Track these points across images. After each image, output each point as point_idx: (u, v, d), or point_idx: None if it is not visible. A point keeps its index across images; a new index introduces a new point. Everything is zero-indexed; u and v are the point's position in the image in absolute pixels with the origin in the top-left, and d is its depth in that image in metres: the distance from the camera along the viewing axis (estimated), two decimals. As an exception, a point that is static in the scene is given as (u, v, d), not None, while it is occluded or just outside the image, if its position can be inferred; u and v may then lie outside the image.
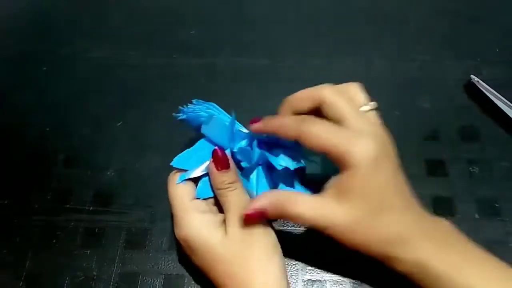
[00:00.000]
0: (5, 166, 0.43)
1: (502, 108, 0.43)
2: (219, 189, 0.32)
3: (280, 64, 0.49)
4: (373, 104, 0.32)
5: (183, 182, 0.33)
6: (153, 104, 0.47)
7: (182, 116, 0.35)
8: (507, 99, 0.43)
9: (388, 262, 0.30)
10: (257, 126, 0.32)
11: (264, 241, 0.31)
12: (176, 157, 0.34)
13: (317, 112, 0.32)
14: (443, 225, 0.30)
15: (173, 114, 0.36)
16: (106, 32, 0.54)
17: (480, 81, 0.44)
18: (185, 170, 0.34)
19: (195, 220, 0.31)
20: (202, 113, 0.34)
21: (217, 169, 0.32)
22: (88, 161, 0.43)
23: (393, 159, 0.30)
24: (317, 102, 0.31)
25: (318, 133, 0.29)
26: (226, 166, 0.32)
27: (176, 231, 0.32)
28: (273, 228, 0.33)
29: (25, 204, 0.41)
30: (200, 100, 0.35)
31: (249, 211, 0.30)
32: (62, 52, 0.52)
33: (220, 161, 0.32)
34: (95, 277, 0.36)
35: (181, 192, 0.33)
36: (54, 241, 0.38)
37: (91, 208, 0.40)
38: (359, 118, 0.30)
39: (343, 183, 0.29)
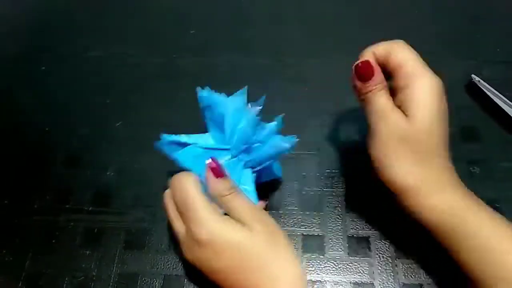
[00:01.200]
0: (5, 166, 0.43)
1: (503, 108, 0.42)
2: (223, 196, 0.31)
3: (280, 64, 0.49)
4: None
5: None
6: (152, 104, 0.47)
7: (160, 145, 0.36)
8: (508, 99, 0.43)
9: (414, 200, 0.31)
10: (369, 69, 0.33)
11: (283, 239, 0.31)
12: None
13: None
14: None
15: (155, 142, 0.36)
16: (105, 32, 0.54)
17: (481, 81, 0.44)
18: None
19: (219, 220, 0.30)
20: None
21: (216, 177, 0.31)
22: (88, 161, 0.43)
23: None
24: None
25: (404, 49, 0.33)
26: (223, 174, 0.31)
27: (196, 233, 0.29)
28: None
29: (25, 204, 0.41)
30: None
31: (363, 61, 0.33)
32: (61, 51, 0.52)
33: (216, 169, 0.31)
34: (94, 278, 0.36)
35: (197, 192, 0.31)
36: (53, 241, 0.38)
37: (90, 208, 0.40)
38: (425, 65, 0.33)
39: (410, 96, 0.31)
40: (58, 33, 0.54)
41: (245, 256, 0.29)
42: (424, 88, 0.31)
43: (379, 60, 0.33)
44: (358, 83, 0.33)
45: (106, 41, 0.52)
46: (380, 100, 0.31)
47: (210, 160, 0.32)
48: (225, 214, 0.31)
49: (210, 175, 0.31)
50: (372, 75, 0.32)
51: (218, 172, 0.31)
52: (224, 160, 0.33)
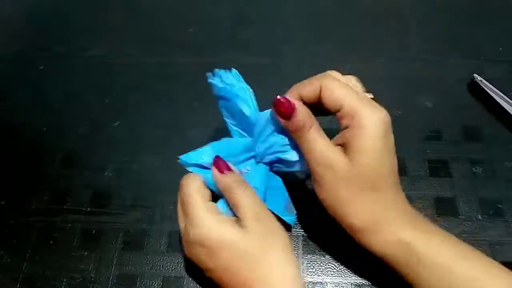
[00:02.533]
0: (2, 166, 0.43)
1: (505, 107, 0.42)
2: (227, 189, 0.31)
3: (280, 63, 0.49)
4: (370, 95, 0.33)
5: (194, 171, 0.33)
6: (151, 103, 0.46)
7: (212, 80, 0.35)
8: (510, 98, 0.42)
9: (363, 242, 0.30)
10: (290, 109, 0.31)
11: (282, 239, 0.31)
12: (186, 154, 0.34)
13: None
14: (422, 217, 0.31)
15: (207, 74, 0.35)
16: (104, 31, 0.53)
17: (483, 80, 0.44)
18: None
19: (215, 219, 0.30)
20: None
21: (221, 172, 0.32)
22: (86, 162, 0.43)
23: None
24: (318, 88, 0.31)
25: (338, 87, 0.30)
26: (228, 168, 0.32)
27: (191, 231, 0.30)
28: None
29: (22, 205, 0.40)
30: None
31: (281, 98, 0.30)
32: (59, 51, 0.51)
33: (220, 165, 0.32)
34: (92, 279, 0.36)
35: (199, 191, 0.32)
36: (51, 242, 0.38)
37: (88, 209, 0.40)
38: (365, 98, 0.30)
39: (350, 138, 0.29)
40: (56, 33, 0.54)
41: (238, 256, 0.29)
42: (365, 129, 0.28)
43: (309, 99, 0.31)
44: (282, 121, 0.30)
45: (104, 41, 0.52)
46: (314, 141, 0.30)
47: (216, 157, 0.32)
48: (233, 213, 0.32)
49: (216, 171, 0.32)
50: (292, 112, 0.29)
51: (223, 166, 0.32)
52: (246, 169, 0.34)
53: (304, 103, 0.31)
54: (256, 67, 0.48)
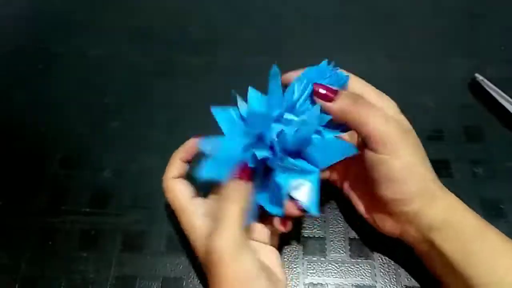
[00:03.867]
0: (1, 166, 0.43)
1: (507, 107, 0.42)
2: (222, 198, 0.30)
3: (280, 63, 0.49)
4: None
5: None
6: (151, 103, 0.46)
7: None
8: (511, 98, 0.42)
9: (411, 217, 0.30)
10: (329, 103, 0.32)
11: (243, 264, 0.28)
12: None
13: None
14: (452, 196, 0.31)
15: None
16: (103, 30, 0.53)
17: (485, 80, 0.44)
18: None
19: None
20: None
21: (237, 177, 0.30)
22: (85, 162, 0.42)
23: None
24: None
25: (383, 125, 0.30)
26: (247, 178, 0.30)
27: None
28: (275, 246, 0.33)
29: (21, 205, 0.40)
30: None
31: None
32: (58, 50, 0.51)
33: (243, 171, 0.30)
34: (91, 280, 0.36)
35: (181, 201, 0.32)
36: (50, 243, 0.38)
37: (87, 210, 0.39)
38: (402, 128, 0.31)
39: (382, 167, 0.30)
40: (55, 32, 0.53)
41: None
42: (403, 161, 0.30)
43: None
44: (327, 105, 0.32)
45: (104, 41, 0.52)
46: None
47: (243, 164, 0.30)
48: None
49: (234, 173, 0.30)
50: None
51: (242, 173, 0.30)
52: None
53: None
54: (256, 67, 0.48)
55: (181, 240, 0.37)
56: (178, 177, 0.33)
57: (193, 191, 0.33)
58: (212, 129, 0.43)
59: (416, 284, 0.34)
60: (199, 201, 0.32)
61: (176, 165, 0.33)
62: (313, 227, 0.38)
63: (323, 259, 0.36)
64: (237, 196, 0.29)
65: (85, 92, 0.47)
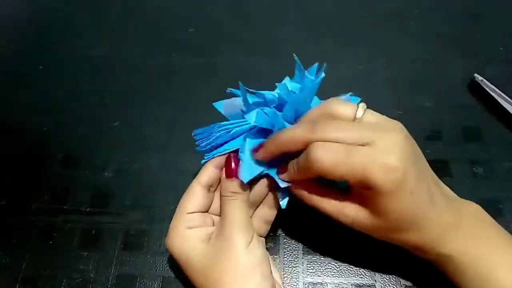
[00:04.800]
0: (2, 166, 0.43)
1: (506, 107, 0.42)
2: (222, 195, 0.32)
3: (280, 63, 0.49)
4: (362, 105, 0.30)
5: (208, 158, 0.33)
6: (151, 103, 0.46)
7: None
8: (511, 98, 0.42)
9: (411, 251, 0.30)
10: (261, 154, 0.31)
11: (244, 258, 0.29)
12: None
13: None
14: (470, 212, 0.30)
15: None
16: (104, 31, 0.53)
17: (484, 80, 0.44)
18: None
19: (180, 234, 0.31)
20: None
21: (225, 176, 0.32)
22: (86, 162, 0.42)
23: (410, 158, 0.27)
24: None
25: (333, 163, 0.27)
26: (233, 175, 0.31)
27: (166, 241, 0.32)
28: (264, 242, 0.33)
29: (22, 205, 0.40)
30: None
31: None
32: (59, 51, 0.51)
33: (229, 168, 0.32)
34: (92, 279, 0.36)
35: (184, 203, 0.32)
36: (51, 242, 0.38)
37: (88, 209, 0.39)
38: (360, 130, 0.28)
39: (369, 202, 0.28)
40: (56, 33, 0.54)
41: (194, 272, 0.30)
42: (380, 195, 0.26)
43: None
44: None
45: (105, 41, 0.52)
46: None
47: (229, 155, 0.32)
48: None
49: (223, 171, 0.32)
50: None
51: (229, 171, 0.31)
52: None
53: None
54: (256, 67, 0.48)
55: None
56: (206, 186, 0.33)
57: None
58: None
59: (416, 284, 0.34)
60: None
61: (208, 172, 0.33)
62: (314, 227, 0.38)
63: (323, 258, 0.36)
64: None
65: (86, 93, 0.48)
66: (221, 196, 0.32)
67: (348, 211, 0.29)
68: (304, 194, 0.31)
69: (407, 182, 0.26)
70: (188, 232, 0.31)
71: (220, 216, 0.32)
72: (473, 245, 0.28)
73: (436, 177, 0.31)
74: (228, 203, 0.31)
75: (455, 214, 0.29)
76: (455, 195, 0.32)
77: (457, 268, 0.28)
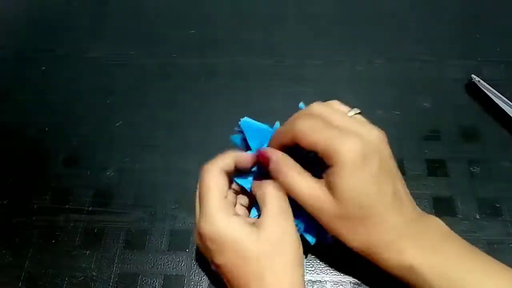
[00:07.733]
0: (4, 166, 0.43)
1: (503, 108, 0.42)
2: (256, 185, 0.33)
3: (280, 64, 0.49)
4: (356, 109, 0.32)
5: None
6: (152, 104, 0.46)
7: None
8: (508, 99, 0.43)
9: (373, 262, 0.30)
10: (266, 160, 0.32)
11: (293, 249, 0.30)
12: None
13: None
14: (431, 225, 0.30)
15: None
16: (105, 32, 0.53)
17: (481, 81, 0.44)
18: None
19: (228, 218, 0.30)
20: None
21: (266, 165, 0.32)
22: (88, 161, 0.43)
23: (382, 156, 0.30)
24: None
25: (309, 130, 0.30)
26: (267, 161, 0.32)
27: (203, 225, 0.30)
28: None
29: (24, 204, 0.40)
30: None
31: (257, 152, 0.33)
32: (60, 52, 0.52)
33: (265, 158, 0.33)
34: (94, 278, 0.36)
35: (217, 187, 0.31)
36: (53, 241, 0.38)
37: (90, 209, 0.40)
38: (346, 119, 0.31)
39: (331, 178, 0.29)
40: (58, 34, 0.54)
41: (242, 258, 0.29)
42: (341, 166, 0.28)
43: (290, 145, 0.31)
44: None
45: (105, 42, 0.52)
46: (297, 185, 0.30)
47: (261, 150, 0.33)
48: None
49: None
50: (268, 161, 0.32)
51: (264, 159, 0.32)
52: None
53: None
54: (256, 67, 0.49)
55: (182, 238, 0.38)
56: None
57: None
58: (212, 129, 0.44)
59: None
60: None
61: (226, 161, 0.33)
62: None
63: (322, 256, 0.36)
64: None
65: (88, 93, 0.48)
66: (256, 187, 0.33)
67: (319, 193, 0.30)
68: (283, 169, 0.31)
69: (368, 166, 0.28)
70: (234, 217, 0.31)
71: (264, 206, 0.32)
72: (434, 256, 0.28)
73: (407, 190, 0.31)
74: (266, 190, 0.32)
75: (417, 225, 0.29)
76: (421, 211, 0.31)
77: (418, 280, 0.28)
